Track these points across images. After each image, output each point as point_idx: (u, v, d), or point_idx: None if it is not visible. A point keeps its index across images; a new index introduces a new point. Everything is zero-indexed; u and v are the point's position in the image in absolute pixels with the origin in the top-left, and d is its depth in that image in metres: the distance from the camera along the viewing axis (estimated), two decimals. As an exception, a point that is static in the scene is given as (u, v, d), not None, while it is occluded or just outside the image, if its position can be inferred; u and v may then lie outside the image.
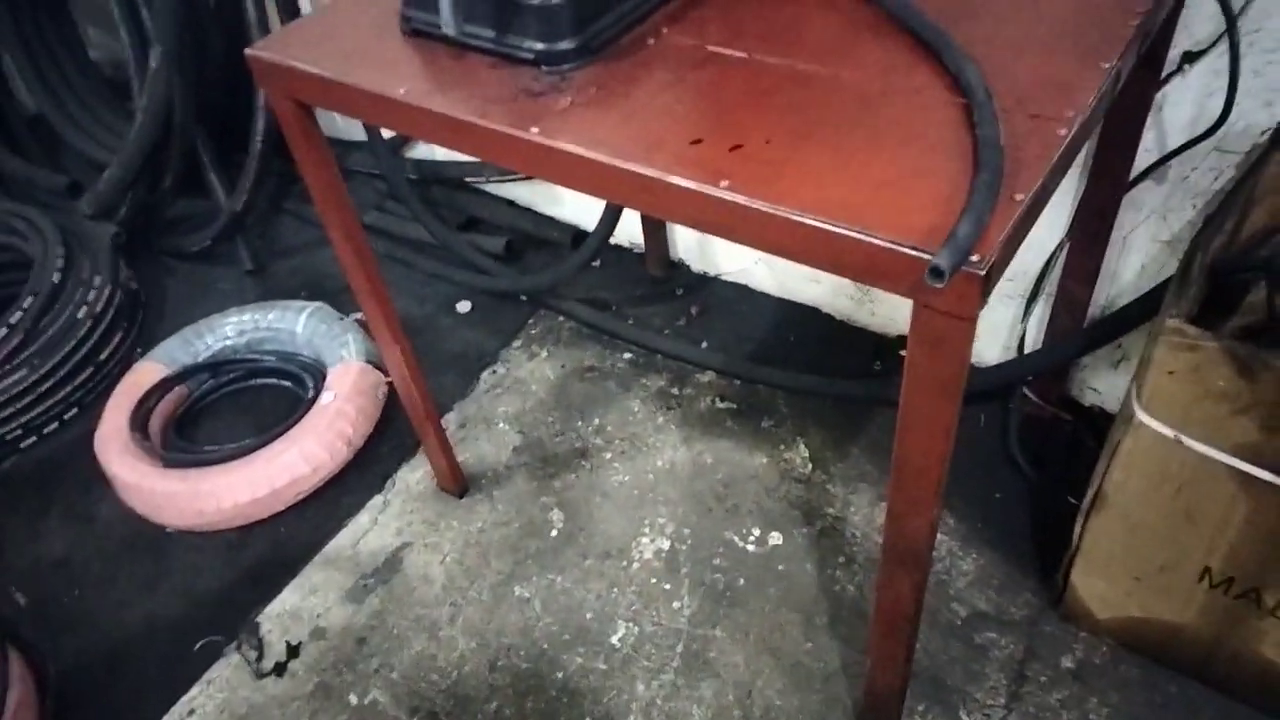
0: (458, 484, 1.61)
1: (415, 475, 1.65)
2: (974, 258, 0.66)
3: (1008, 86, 0.81)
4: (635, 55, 0.96)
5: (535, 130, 0.87)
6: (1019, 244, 0.73)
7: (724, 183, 0.77)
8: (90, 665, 1.44)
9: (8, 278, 1.98)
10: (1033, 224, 0.75)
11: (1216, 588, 1.08)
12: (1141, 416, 1.00)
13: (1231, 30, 1.01)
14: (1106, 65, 0.83)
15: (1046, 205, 0.78)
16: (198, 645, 1.45)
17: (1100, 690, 1.22)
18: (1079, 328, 1.40)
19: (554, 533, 1.53)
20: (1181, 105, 1.15)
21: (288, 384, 1.83)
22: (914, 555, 0.94)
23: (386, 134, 2.08)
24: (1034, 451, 1.50)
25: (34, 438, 1.80)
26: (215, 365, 1.83)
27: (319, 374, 1.76)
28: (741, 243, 0.79)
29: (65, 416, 1.83)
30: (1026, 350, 1.52)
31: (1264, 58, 1.06)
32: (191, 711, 1.37)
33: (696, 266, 1.96)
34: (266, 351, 1.85)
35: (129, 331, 1.98)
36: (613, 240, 1.96)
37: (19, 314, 1.78)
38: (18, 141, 2.45)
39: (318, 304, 1.84)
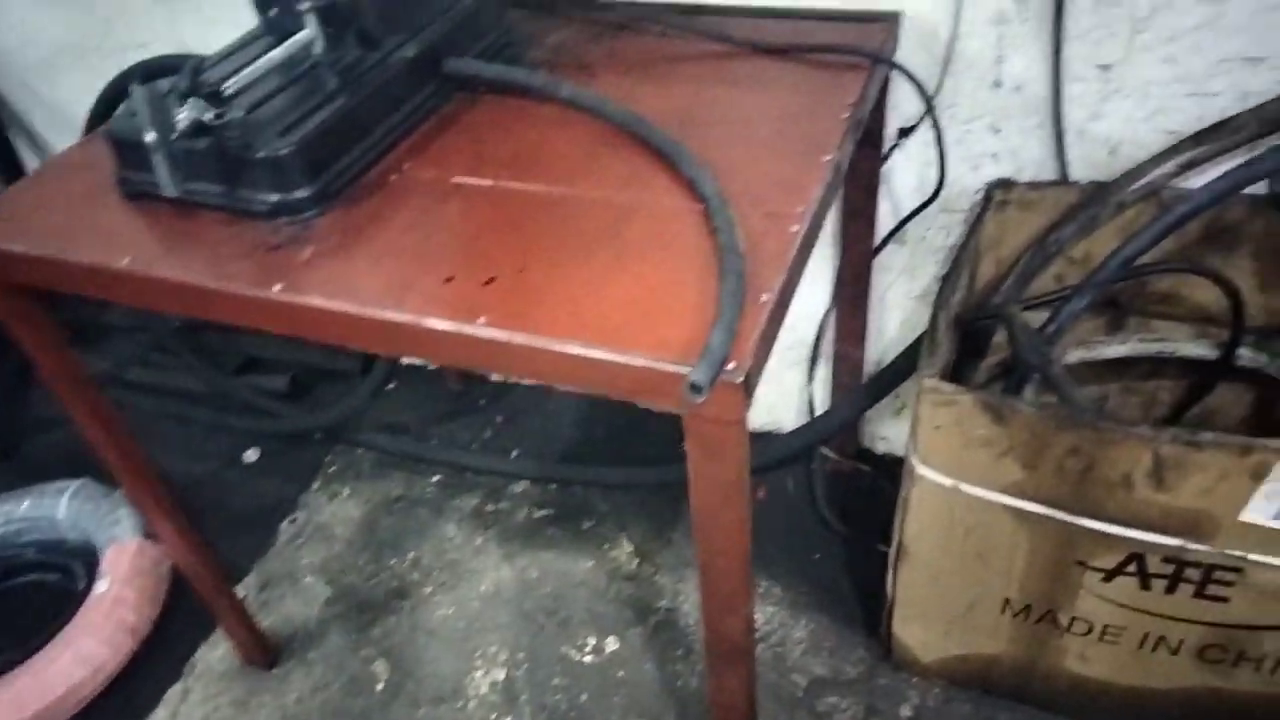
0: (266, 654, 1.47)
1: (216, 653, 1.50)
2: (730, 366, 0.67)
3: (742, 188, 0.84)
4: (378, 195, 0.93)
5: (278, 288, 0.82)
6: (773, 340, 0.75)
7: (481, 319, 0.75)
8: None
9: None
10: (784, 316, 0.77)
11: (1018, 616, 1.15)
12: (921, 470, 1.05)
13: (930, 109, 1.11)
14: (827, 159, 0.88)
15: (798, 289, 0.81)
16: None
17: (940, 733, 1.26)
18: (858, 385, 1.48)
19: (379, 686, 1.42)
20: (906, 174, 1.26)
21: (54, 577, 1.63)
22: (736, 650, 0.93)
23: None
24: (841, 507, 1.56)
25: None
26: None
27: (91, 560, 1.57)
28: (505, 373, 0.78)
29: None
30: (817, 410, 1.59)
31: (963, 127, 1.18)
32: None
33: (495, 376, 1.93)
34: (24, 544, 1.64)
35: None
36: (405, 359, 1.90)
37: None
38: None
39: (80, 481, 1.66)
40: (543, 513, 1.65)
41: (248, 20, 1.50)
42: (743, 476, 0.76)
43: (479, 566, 1.57)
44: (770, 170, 0.88)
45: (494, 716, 1.36)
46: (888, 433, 1.59)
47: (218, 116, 0.89)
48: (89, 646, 1.43)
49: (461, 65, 1.05)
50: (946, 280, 1.11)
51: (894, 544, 1.18)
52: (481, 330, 0.74)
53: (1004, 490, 1.00)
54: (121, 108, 1.80)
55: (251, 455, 1.84)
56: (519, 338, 0.73)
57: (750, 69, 1.05)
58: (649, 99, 1.00)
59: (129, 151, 0.95)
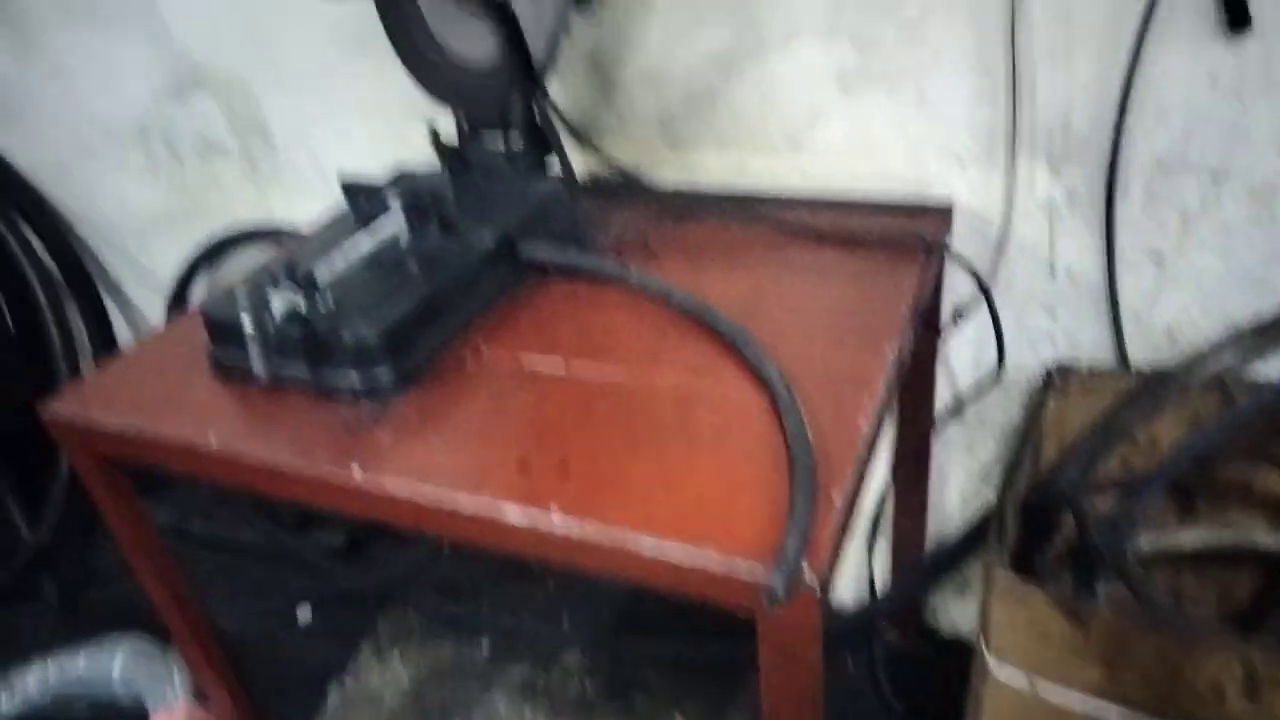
0: (308, 826, 1.43)
1: (257, 825, 1.46)
2: (805, 573, 0.67)
3: (807, 379, 0.86)
4: (454, 376, 0.97)
5: (358, 472, 0.85)
6: (845, 538, 0.76)
7: (554, 506, 0.76)
8: None
9: None
10: (854, 513, 0.78)
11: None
12: (993, 665, 1.02)
13: (986, 294, 1.14)
14: (889, 352, 0.90)
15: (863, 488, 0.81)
16: None
17: None
18: (919, 561, 1.45)
19: None
20: (964, 352, 1.27)
21: (103, 735, 1.62)
22: None
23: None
24: (904, 688, 1.50)
25: None
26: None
27: (143, 718, 1.56)
28: (577, 568, 0.78)
29: None
30: (877, 586, 1.56)
31: (1020, 310, 1.20)
32: None
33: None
34: (78, 705, 1.63)
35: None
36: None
37: None
38: None
39: (134, 639, 1.67)
40: (594, 685, 1.61)
41: (325, 192, 1.61)
42: (816, 680, 0.74)
43: (527, 739, 1.53)
44: (834, 361, 0.90)
45: None
46: (951, 610, 1.54)
47: (309, 304, 0.94)
48: (130, 815, 1.40)
49: (535, 250, 1.10)
50: (1012, 466, 1.10)
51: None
52: (555, 521, 0.76)
53: (1084, 690, 0.96)
54: (210, 286, 1.92)
55: (305, 614, 1.84)
56: (592, 532, 0.74)
57: (809, 257, 1.09)
58: (712, 284, 1.04)
59: (223, 333, 1.00)
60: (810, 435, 0.78)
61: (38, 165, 1.97)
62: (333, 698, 1.65)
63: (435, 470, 0.83)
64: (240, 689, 1.30)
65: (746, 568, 0.68)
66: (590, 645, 1.67)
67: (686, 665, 1.61)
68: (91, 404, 1.01)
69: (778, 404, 0.82)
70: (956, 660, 1.50)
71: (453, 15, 1.03)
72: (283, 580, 1.89)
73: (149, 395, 1.02)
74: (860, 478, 0.79)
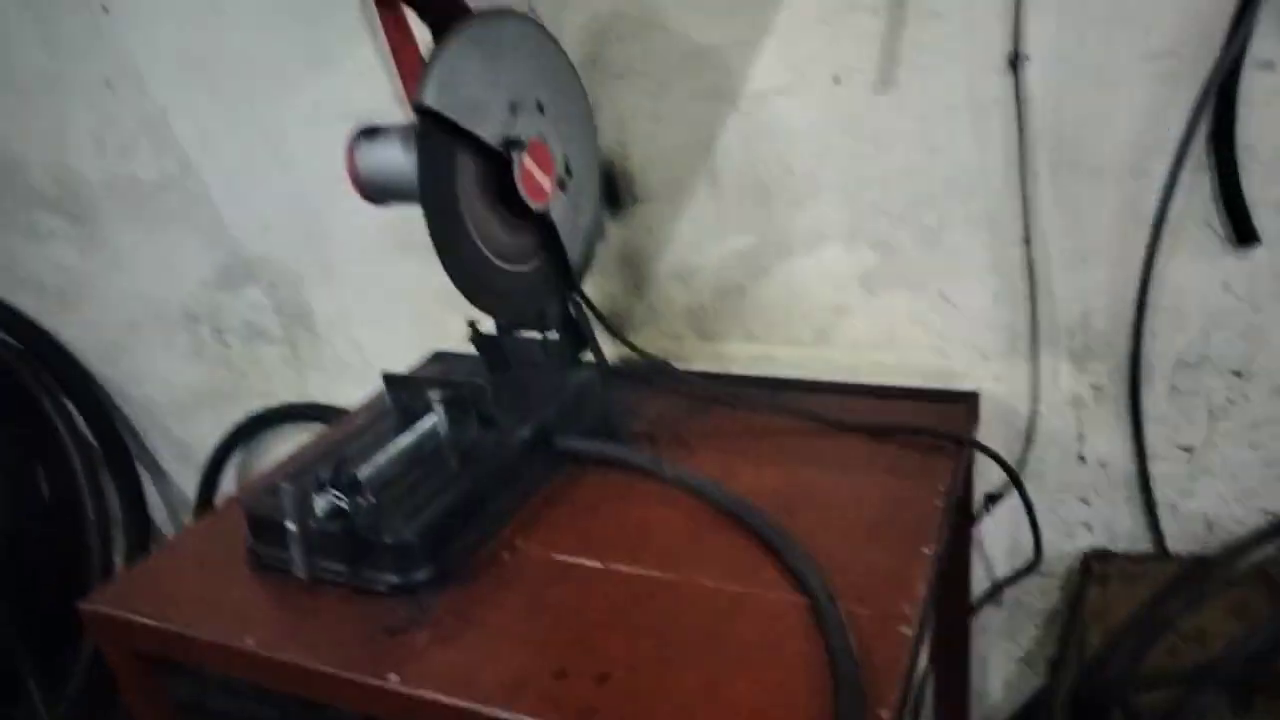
0: None
1: None
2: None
3: (846, 581, 0.86)
4: (491, 573, 0.97)
5: (395, 678, 0.85)
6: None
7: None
8: None
9: None
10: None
11: None
12: None
13: (1018, 486, 1.15)
14: (928, 551, 0.90)
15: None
16: None
17: None
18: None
19: None
20: (998, 539, 1.27)
21: None
22: None
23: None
24: None
25: None
26: None
27: None
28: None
29: None
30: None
31: (1054, 496, 1.20)
32: None
33: None
34: None
35: None
36: None
37: None
38: None
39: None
40: None
41: (363, 376, 1.66)
42: None
43: None
44: (873, 562, 0.90)
45: None
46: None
47: (351, 504, 0.96)
48: None
49: (571, 443, 1.13)
50: (1058, 657, 1.08)
51: None
52: (596, 736, 0.75)
53: None
54: (245, 463, 1.96)
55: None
56: (633, 751, 0.73)
57: (839, 449, 1.10)
58: (745, 477, 1.05)
59: (265, 529, 1.02)
60: (854, 648, 0.77)
61: (87, 344, 2.05)
62: None
63: (472, 678, 0.83)
64: None
65: (796, 795, 0.67)
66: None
67: None
68: (129, 600, 1.02)
69: (820, 614, 0.82)
70: None
71: (495, 224, 1.09)
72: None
73: (186, 592, 1.02)
74: (907, 690, 0.77)
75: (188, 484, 2.11)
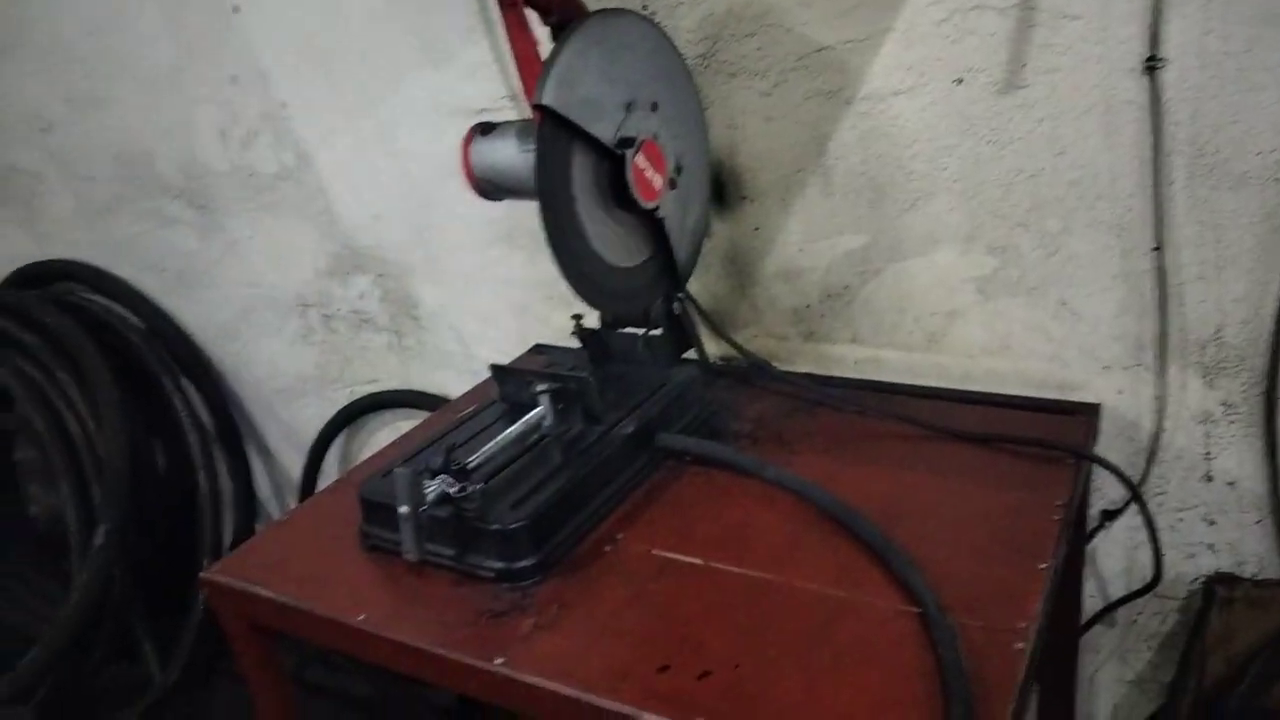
0: None
1: None
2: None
3: (955, 592, 0.84)
4: (594, 565, 0.98)
5: (499, 661, 0.86)
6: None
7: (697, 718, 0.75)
8: None
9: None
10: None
11: None
12: None
13: (1139, 502, 1.10)
14: (1044, 566, 0.87)
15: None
16: None
17: None
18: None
19: None
20: (1113, 556, 1.22)
21: None
22: None
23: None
24: None
25: None
26: None
27: None
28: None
29: None
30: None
31: (1175, 515, 1.15)
32: None
33: None
34: None
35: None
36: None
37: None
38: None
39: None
40: None
41: (464, 365, 1.70)
42: None
43: None
44: (984, 575, 0.87)
45: None
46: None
47: (461, 490, 0.98)
48: None
49: (673, 441, 1.13)
50: (1176, 683, 1.03)
51: None
52: (695, 737, 0.75)
53: None
54: (347, 447, 2.02)
55: (410, 781, 1.82)
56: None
57: (950, 456, 1.08)
58: (849, 482, 1.03)
59: (377, 512, 1.05)
60: (964, 660, 0.75)
61: (204, 326, 2.15)
62: None
63: (575, 666, 0.84)
64: None
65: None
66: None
67: None
68: (249, 572, 1.06)
69: (930, 623, 0.80)
70: None
71: (606, 221, 1.10)
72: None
73: (301, 569, 1.06)
74: (1020, 707, 0.75)
75: (293, 465, 2.19)
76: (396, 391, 1.90)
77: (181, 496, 2.24)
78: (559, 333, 1.43)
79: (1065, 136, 1.03)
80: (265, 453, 2.24)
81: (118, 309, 2.19)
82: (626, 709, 0.79)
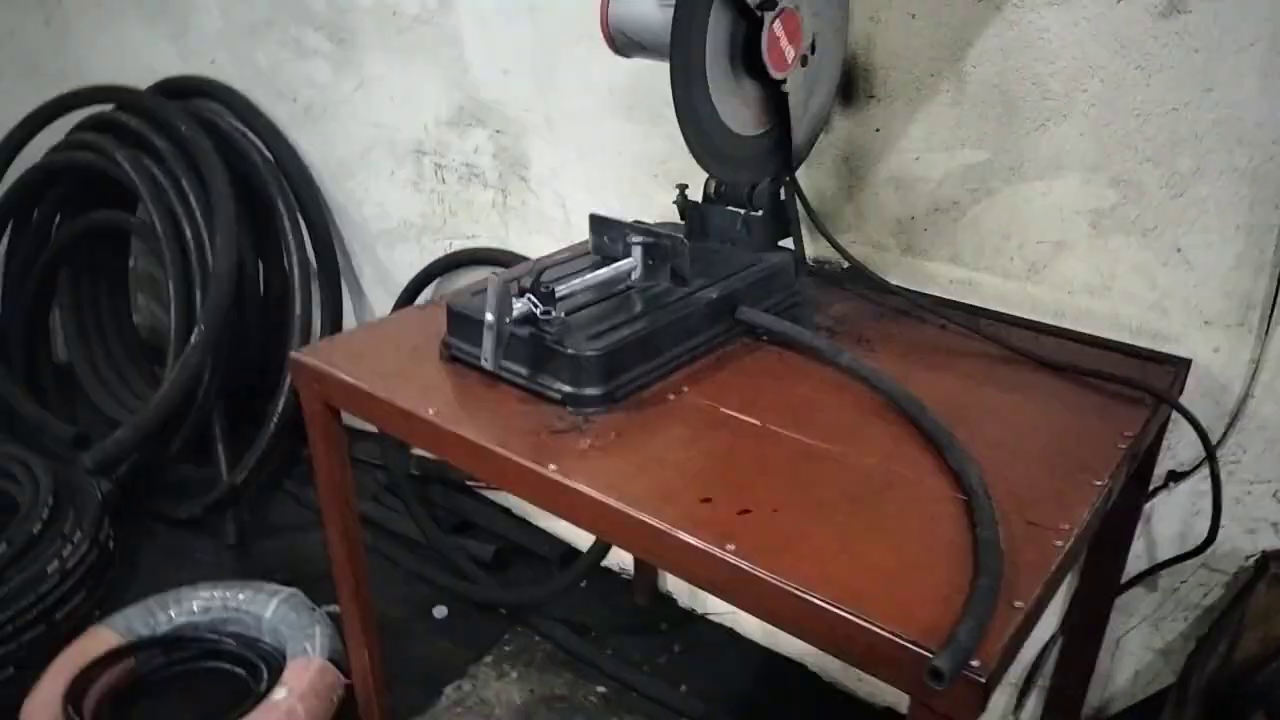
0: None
1: (358, 791, 1.51)
2: (974, 663, 0.66)
3: (1006, 490, 0.85)
4: (656, 408, 1.02)
5: (553, 468, 0.91)
6: (1018, 650, 0.73)
7: (730, 546, 0.79)
8: None
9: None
10: (1031, 630, 0.75)
11: None
12: None
13: (1212, 460, 1.08)
14: (1099, 483, 0.87)
15: (1045, 611, 0.79)
16: None
17: None
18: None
19: None
20: (1169, 519, 1.20)
21: (242, 671, 1.72)
22: None
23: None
24: None
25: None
26: (171, 641, 1.74)
27: (277, 665, 1.66)
28: (740, 607, 0.79)
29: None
30: (1019, 745, 1.46)
31: (1244, 487, 1.12)
32: None
33: (684, 602, 1.93)
34: (228, 633, 1.76)
35: (93, 592, 1.90)
36: (603, 563, 1.95)
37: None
38: (41, 387, 2.53)
39: (291, 590, 1.79)
40: (699, 759, 1.58)
41: (561, 232, 1.73)
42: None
43: (622, 795, 1.51)
44: (1037, 480, 0.88)
45: None
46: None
47: (544, 313, 1.02)
48: (250, 751, 1.48)
49: (753, 315, 1.15)
50: (1203, 641, 1.03)
51: None
52: (729, 556, 0.78)
53: None
54: (437, 296, 2.09)
55: (440, 612, 1.91)
56: (763, 573, 0.76)
57: (1025, 379, 1.07)
58: (921, 384, 1.03)
59: (461, 324, 1.10)
60: (1001, 540, 0.77)
61: (323, 160, 2.23)
62: (446, 697, 1.70)
63: (623, 485, 0.88)
64: (379, 660, 1.38)
65: (914, 644, 0.68)
66: (709, 707, 1.64)
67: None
68: (334, 359, 1.13)
69: (973, 509, 0.81)
70: None
71: (732, 87, 1.11)
72: (429, 577, 1.98)
73: (384, 365, 1.12)
74: (1046, 596, 0.76)
75: (381, 307, 2.28)
76: (492, 250, 1.95)
77: (275, 320, 2.36)
78: (663, 212, 1.45)
79: (1218, 72, 0.99)
80: (358, 291, 2.33)
81: (246, 132, 2.29)
82: (664, 526, 0.82)
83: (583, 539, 1.93)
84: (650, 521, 0.83)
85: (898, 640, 0.68)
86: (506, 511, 2.16)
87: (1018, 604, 0.72)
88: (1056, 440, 0.95)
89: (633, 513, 0.84)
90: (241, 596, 1.78)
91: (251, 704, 1.56)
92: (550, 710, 1.68)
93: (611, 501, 0.86)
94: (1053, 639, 1.35)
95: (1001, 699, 1.46)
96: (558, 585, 1.81)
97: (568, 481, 0.89)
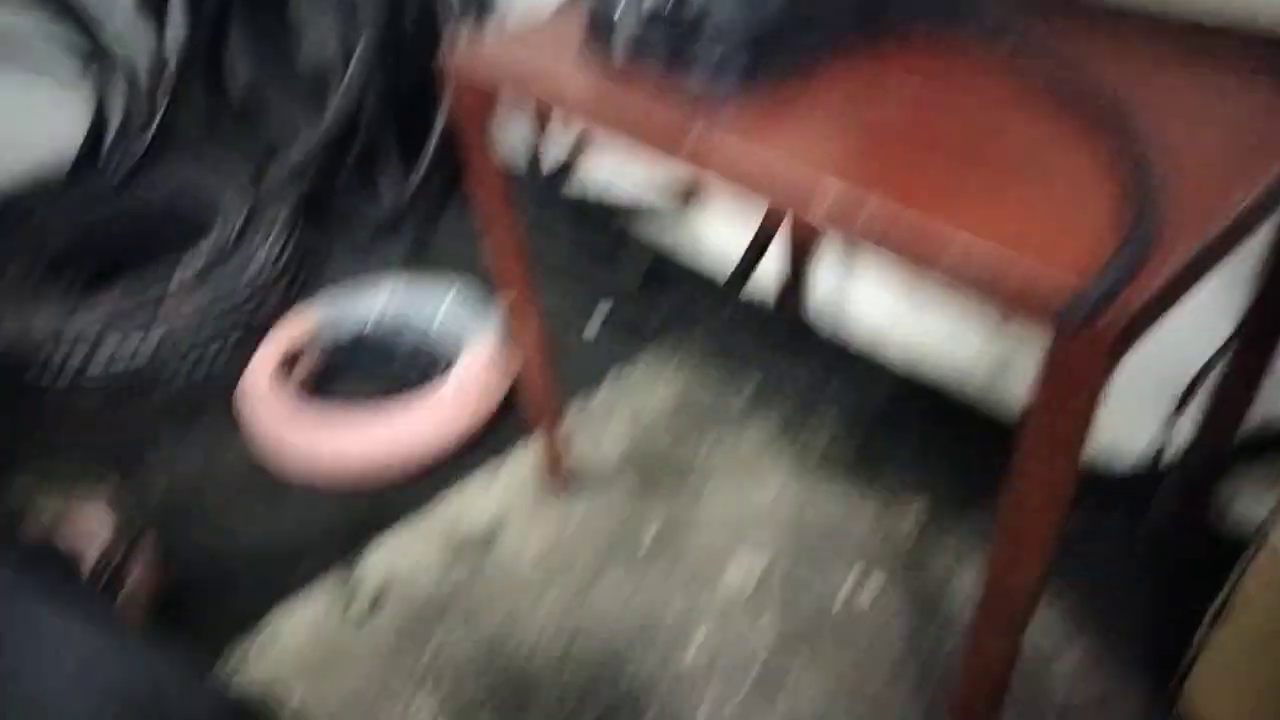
0: (561, 480, 1.64)
1: (524, 464, 1.70)
2: (1122, 302, 0.64)
3: (1176, 157, 0.77)
4: (799, 86, 0.97)
5: (696, 129, 0.90)
6: (1168, 305, 0.71)
7: (880, 191, 0.78)
8: (201, 572, 1.55)
9: (193, 221, 2.18)
10: (1183, 291, 0.72)
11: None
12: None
13: None
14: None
15: (1204, 279, 0.74)
16: (298, 577, 1.54)
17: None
18: (1229, 443, 1.30)
19: (646, 539, 1.54)
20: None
21: (418, 362, 1.92)
22: (1009, 616, 0.89)
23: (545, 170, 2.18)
24: (1163, 562, 1.41)
25: (188, 370, 1.96)
26: (354, 337, 1.94)
27: (450, 357, 1.83)
28: (885, 249, 0.79)
29: (217, 356, 1.98)
30: (1169, 454, 1.43)
31: None
32: (278, 630, 1.45)
33: (830, 327, 1.94)
34: (406, 327, 1.94)
35: (290, 288, 2.13)
36: (747, 294, 1.98)
37: (199, 260, 1.96)
38: (220, 118, 2.68)
39: (462, 291, 1.94)
40: (842, 450, 1.66)
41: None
42: (1084, 431, 0.72)
43: (767, 475, 1.63)
44: (1213, 153, 0.80)
45: (739, 603, 1.43)
46: (1244, 505, 1.39)
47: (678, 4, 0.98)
48: (433, 420, 1.68)
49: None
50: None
51: (1220, 599, 1.06)
52: (875, 200, 0.77)
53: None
54: None
55: (592, 328, 2.02)
56: (909, 215, 0.75)
57: (1225, 81, 0.94)
58: (1099, 65, 0.94)
59: (599, 23, 1.07)
60: (1163, 195, 0.72)
61: None
62: (603, 393, 1.85)
63: (761, 143, 0.87)
64: (545, 346, 1.49)
65: (1060, 275, 0.66)
66: (848, 416, 1.71)
67: (937, 458, 1.61)
68: (487, 40, 1.14)
69: (1136, 163, 0.75)
70: (1230, 553, 1.39)
71: None
72: (581, 294, 2.08)
73: (529, 50, 1.12)
74: (1204, 258, 0.71)
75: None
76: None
77: (426, 52, 2.37)
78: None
79: None
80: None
81: None
82: (813, 177, 0.81)
83: (730, 260, 1.95)
84: (790, 173, 0.83)
85: (1045, 274, 0.67)
86: (656, 233, 2.20)
87: (1174, 254, 0.68)
88: (1242, 124, 0.85)
89: (780, 164, 0.84)
90: (417, 296, 1.95)
91: (433, 384, 1.75)
92: (699, 410, 1.79)
93: (757, 154, 0.86)
94: (1225, 345, 1.29)
95: (1151, 412, 1.43)
96: (708, 298, 1.87)
97: (709, 141, 0.89)
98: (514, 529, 1.58)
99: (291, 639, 1.44)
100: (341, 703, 1.36)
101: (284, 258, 2.10)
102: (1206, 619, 1.09)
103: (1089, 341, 0.66)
